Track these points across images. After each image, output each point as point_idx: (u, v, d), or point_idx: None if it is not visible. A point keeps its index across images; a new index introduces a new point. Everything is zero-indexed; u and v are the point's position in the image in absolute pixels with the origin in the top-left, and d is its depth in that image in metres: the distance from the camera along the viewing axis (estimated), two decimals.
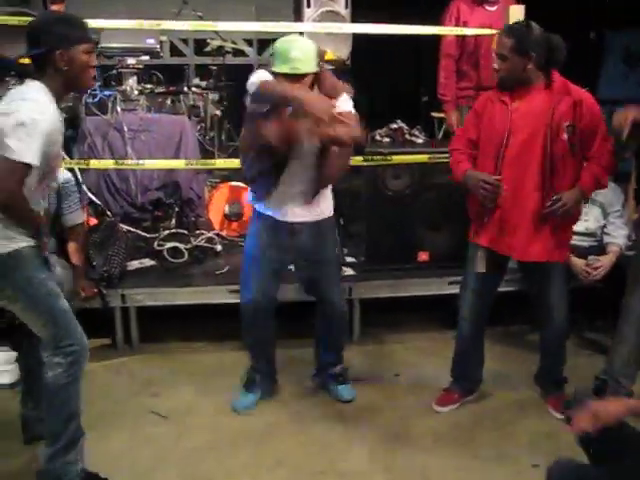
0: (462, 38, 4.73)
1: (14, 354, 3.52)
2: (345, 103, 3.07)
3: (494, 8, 4.69)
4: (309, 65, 2.97)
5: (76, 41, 2.46)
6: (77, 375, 2.65)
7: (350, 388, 3.54)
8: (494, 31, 4.29)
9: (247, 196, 3.40)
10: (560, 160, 3.05)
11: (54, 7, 4.96)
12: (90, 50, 2.52)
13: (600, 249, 3.92)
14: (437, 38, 4.80)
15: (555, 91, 3.05)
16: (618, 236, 3.89)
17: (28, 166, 2.36)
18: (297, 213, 3.19)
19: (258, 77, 2.96)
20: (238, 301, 3.91)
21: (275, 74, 2.96)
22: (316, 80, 3.05)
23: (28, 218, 2.51)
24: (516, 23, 3.17)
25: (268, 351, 3.52)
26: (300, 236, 3.22)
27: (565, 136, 3.03)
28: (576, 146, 3.06)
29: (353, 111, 3.09)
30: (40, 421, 2.85)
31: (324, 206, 3.27)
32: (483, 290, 3.32)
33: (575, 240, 3.84)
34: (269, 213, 3.21)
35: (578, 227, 3.81)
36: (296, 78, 2.93)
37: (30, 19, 4.18)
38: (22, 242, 2.50)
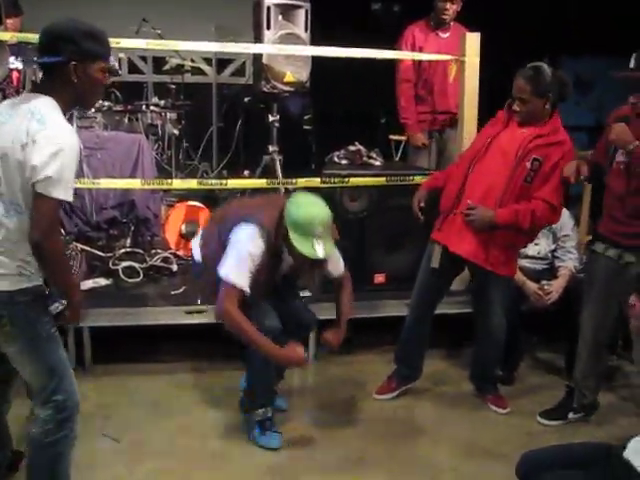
0: (418, 64, 4.83)
1: None
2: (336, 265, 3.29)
3: (447, 35, 4.86)
4: (330, 246, 3.01)
5: (95, 57, 2.31)
6: (69, 435, 2.46)
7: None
8: (449, 57, 4.41)
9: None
10: (516, 186, 3.31)
11: (9, 21, 4.88)
12: (105, 69, 2.36)
13: (551, 272, 4.00)
14: (394, 62, 4.88)
15: (545, 128, 3.32)
16: (568, 259, 3.98)
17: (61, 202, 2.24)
18: None
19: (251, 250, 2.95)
20: (194, 322, 3.91)
21: (298, 250, 2.92)
22: None
23: (63, 263, 2.38)
24: (530, 67, 3.34)
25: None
26: None
27: (528, 165, 3.29)
28: (531, 180, 3.30)
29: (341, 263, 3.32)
30: None
31: None
32: (432, 286, 3.61)
33: (527, 263, 3.99)
34: None
35: (530, 251, 3.97)
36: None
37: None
38: (35, 281, 2.33)
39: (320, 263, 3.06)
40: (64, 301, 2.45)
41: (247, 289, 2.94)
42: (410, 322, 3.72)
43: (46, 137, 2.18)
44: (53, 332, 2.40)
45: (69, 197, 2.22)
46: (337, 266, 3.30)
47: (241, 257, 2.95)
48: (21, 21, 5.00)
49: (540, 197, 3.32)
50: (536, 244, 4.00)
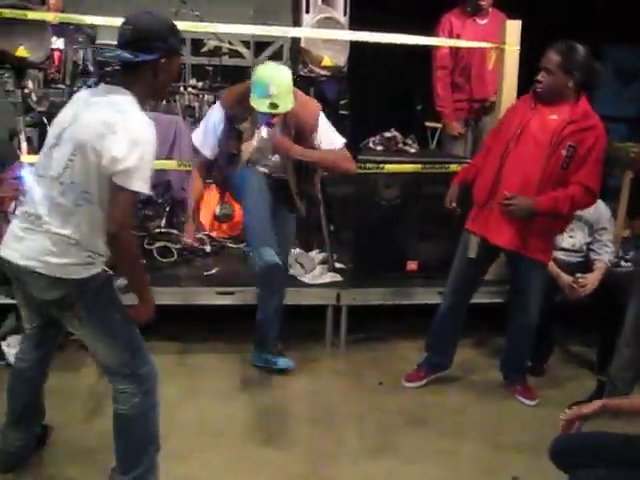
0: (455, 52, 4.77)
1: None
2: (328, 136, 3.41)
3: (484, 21, 4.79)
4: (286, 104, 3.19)
5: (178, 52, 2.40)
6: (154, 401, 2.53)
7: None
8: (488, 44, 4.35)
9: None
10: (553, 173, 3.31)
11: (51, 1, 4.93)
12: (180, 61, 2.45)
13: (586, 265, 3.96)
14: (431, 48, 4.84)
15: (575, 113, 3.29)
16: (604, 253, 3.92)
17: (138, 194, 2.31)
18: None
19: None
20: (225, 302, 3.94)
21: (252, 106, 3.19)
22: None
23: (136, 257, 2.41)
24: (565, 42, 3.34)
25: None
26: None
27: (564, 152, 3.27)
28: (569, 165, 3.28)
29: (334, 136, 3.44)
30: (27, 448, 2.74)
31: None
32: (467, 276, 3.59)
33: (562, 255, 3.94)
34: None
35: (564, 243, 3.92)
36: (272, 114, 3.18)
37: (27, 12, 4.19)
38: (99, 268, 2.38)
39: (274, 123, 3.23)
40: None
41: (204, 152, 3.40)
42: (444, 310, 3.69)
43: (125, 129, 2.22)
44: (124, 311, 2.46)
45: (146, 190, 2.27)
46: (332, 141, 3.43)
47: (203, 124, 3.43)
48: (63, 1, 5.04)
49: (577, 181, 3.32)
50: (571, 237, 3.96)
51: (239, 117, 3.32)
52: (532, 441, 3.21)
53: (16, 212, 2.51)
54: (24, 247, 2.33)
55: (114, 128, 2.21)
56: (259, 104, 3.17)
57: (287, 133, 3.35)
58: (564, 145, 3.28)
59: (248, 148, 3.34)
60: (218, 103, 3.41)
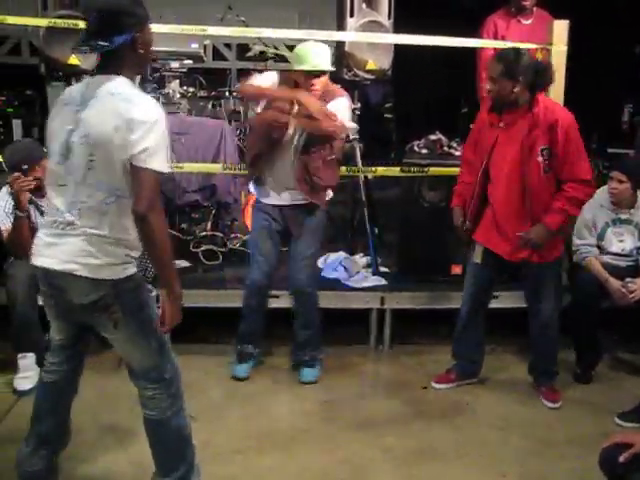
0: None
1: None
2: (337, 104, 3.53)
3: (529, 21, 4.72)
4: (327, 64, 3.49)
5: (147, 21, 2.29)
6: (181, 403, 2.53)
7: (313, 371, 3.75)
8: (534, 45, 4.29)
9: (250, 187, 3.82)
10: (534, 180, 3.35)
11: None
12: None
13: (636, 269, 3.87)
14: (476, 50, 4.80)
15: (535, 114, 3.32)
16: None
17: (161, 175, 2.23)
18: (284, 198, 3.63)
19: (266, 78, 3.62)
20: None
21: (296, 72, 3.48)
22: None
23: (165, 242, 2.27)
24: (506, 49, 3.49)
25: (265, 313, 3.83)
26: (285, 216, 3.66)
27: (540, 158, 3.32)
28: (551, 167, 3.33)
29: (345, 113, 3.59)
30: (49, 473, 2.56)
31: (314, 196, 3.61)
32: (480, 279, 3.66)
33: (611, 260, 3.88)
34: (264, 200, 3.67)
35: (614, 247, 3.88)
36: (315, 76, 3.44)
37: (79, 21, 4.29)
38: (135, 268, 2.36)
39: (317, 76, 3.46)
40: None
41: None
42: (463, 315, 3.73)
43: (138, 112, 2.18)
44: (157, 314, 2.41)
45: (165, 168, 2.22)
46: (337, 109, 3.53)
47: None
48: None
49: (569, 179, 3.35)
50: (621, 241, 3.90)
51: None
52: (579, 450, 3.17)
53: (40, 224, 2.49)
54: (59, 252, 2.29)
55: (126, 116, 2.16)
56: (302, 66, 3.44)
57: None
58: (536, 151, 3.31)
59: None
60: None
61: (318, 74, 3.46)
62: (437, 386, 3.79)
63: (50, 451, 2.57)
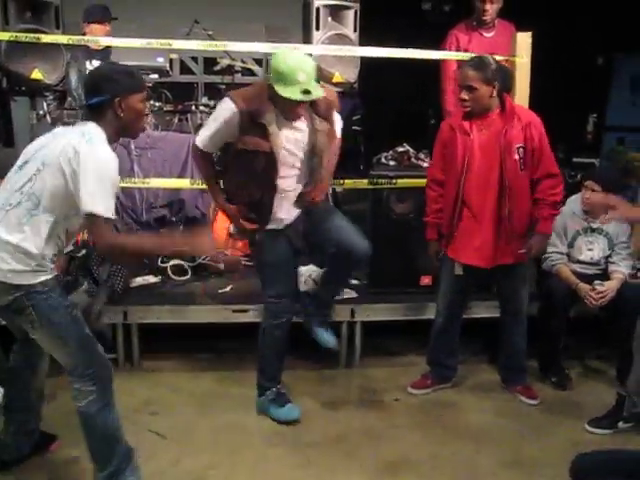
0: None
1: None
2: (338, 125, 3.34)
3: (491, 34, 4.72)
4: (317, 89, 3.02)
5: (134, 90, 2.56)
6: (109, 399, 2.67)
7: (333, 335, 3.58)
8: (498, 57, 4.32)
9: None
10: (513, 178, 3.43)
11: (97, 26, 4.85)
12: (144, 99, 2.63)
13: (603, 277, 3.92)
14: (439, 63, 4.82)
15: (507, 115, 3.43)
16: (622, 265, 3.90)
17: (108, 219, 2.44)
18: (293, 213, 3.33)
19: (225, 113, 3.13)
20: (240, 320, 3.94)
21: (282, 95, 2.99)
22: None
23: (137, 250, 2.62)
24: (473, 58, 3.51)
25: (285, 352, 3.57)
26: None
27: (516, 156, 3.42)
28: (526, 165, 3.44)
29: (339, 134, 3.37)
30: (20, 443, 2.93)
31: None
32: (456, 291, 3.71)
33: (579, 268, 3.93)
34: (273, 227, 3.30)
35: (582, 256, 3.95)
36: (304, 102, 3.03)
37: (41, 35, 4.25)
38: (48, 274, 2.54)
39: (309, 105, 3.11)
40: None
41: (202, 144, 3.22)
42: (440, 326, 3.79)
43: (91, 156, 2.41)
44: (75, 314, 2.62)
45: (110, 214, 2.42)
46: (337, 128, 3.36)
47: (210, 120, 3.26)
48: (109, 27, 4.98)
49: (545, 174, 3.47)
50: (590, 249, 3.96)
51: (259, 111, 3.06)
52: (551, 458, 3.18)
53: None
54: None
55: (81, 156, 2.41)
56: (290, 92, 2.97)
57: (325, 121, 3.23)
58: (513, 149, 3.40)
59: (280, 140, 3.13)
60: (228, 101, 3.10)
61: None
62: (414, 392, 3.82)
63: (12, 418, 2.92)
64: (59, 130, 2.68)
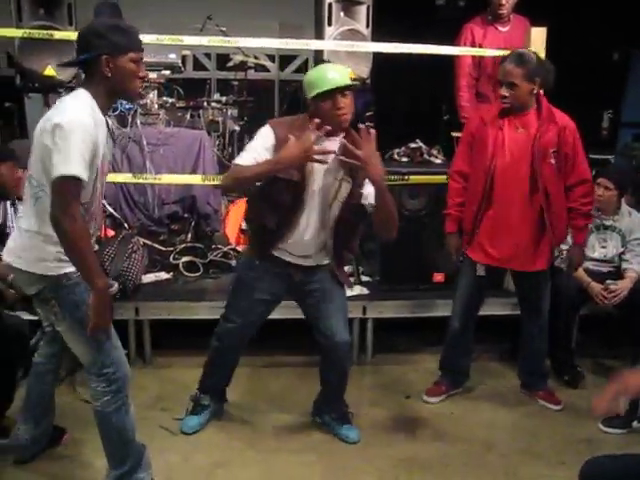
0: (479, 61, 4.72)
1: None
2: (369, 195, 2.94)
3: (506, 28, 4.70)
4: (349, 79, 2.87)
5: (124, 49, 2.39)
6: (124, 400, 2.63)
7: (355, 429, 3.35)
8: None
9: None
10: (549, 182, 3.33)
11: None
12: (137, 59, 2.43)
13: (617, 274, 3.89)
14: (453, 59, 4.79)
15: (544, 117, 3.31)
16: (636, 263, 3.87)
17: (77, 180, 2.28)
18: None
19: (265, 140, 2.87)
20: None
21: (317, 98, 2.81)
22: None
23: (79, 244, 2.33)
24: (516, 52, 3.33)
25: (233, 369, 3.45)
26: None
27: (552, 161, 3.32)
28: (559, 170, 3.35)
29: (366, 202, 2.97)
30: (39, 440, 2.95)
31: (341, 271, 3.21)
32: (474, 294, 3.62)
33: (592, 266, 3.90)
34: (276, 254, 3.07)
35: (596, 254, 3.91)
36: (339, 95, 2.78)
37: (54, 32, 4.27)
38: (72, 267, 2.44)
39: (342, 95, 2.80)
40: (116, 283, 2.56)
41: (244, 162, 2.84)
42: (456, 331, 3.68)
43: (57, 117, 2.30)
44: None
45: (78, 173, 2.26)
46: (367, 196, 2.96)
47: (248, 148, 2.92)
48: None
49: (580, 180, 3.40)
50: (603, 247, 3.94)
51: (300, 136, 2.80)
52: (564, 457, 3.15)
53: None
54: (10, 245, 2.54)
55: (51, 121, 2.30)
56: (323, 88, 2.78)
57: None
58: (549, 154, 3.30)
59: (313, 173, 2.89)
60: (267, 127, 2.92)
61: (342, 92, 2.79)
62: (430, 400, 3.71)
63: (36, 420, 2.93)
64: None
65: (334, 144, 2.88)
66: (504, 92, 3.28)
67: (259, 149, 2.86)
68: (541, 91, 3.36)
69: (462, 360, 3.77)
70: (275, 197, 2.89)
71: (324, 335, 3.12)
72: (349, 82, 2.85)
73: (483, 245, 3.47)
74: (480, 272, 3.52)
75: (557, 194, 3.36)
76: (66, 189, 2.27)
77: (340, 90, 2.79)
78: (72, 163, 2.26)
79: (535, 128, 3.30)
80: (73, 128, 2.27)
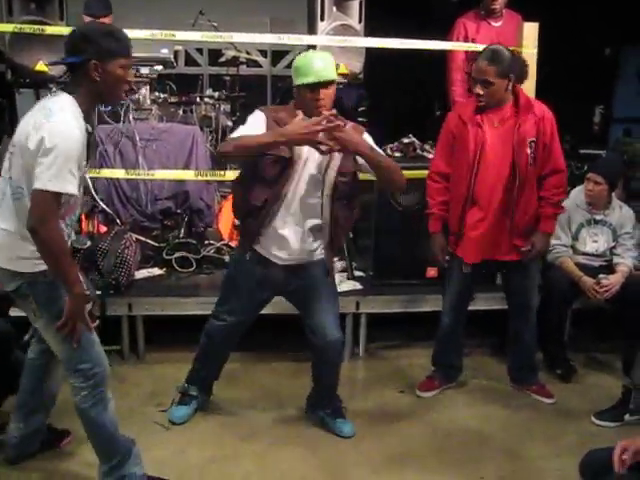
0: (472, 56, 4.70)
1: None
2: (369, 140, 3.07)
3: (499, 23, 4.71)
4: (333, 73, 2.96)
5: (113, 54, 2.40)
6: (102, 396, 2.63)
7: (349, 423, 3.36)
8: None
9: None
10: (524, 172, 3.36)
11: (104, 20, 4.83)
12: (126, 65, 2.45)
13: (609, 269, 3.91)
14: (446, 54, 4.79)
15: (522, 108, 3.33)
16: (627, 257, 3.90)
17: (59, 195, 2.32)
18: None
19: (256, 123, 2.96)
20: None
21: (300, 87, 2.93)
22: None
23: (56, 252, 2.37)
24: (489, 49, 3.35)
25: (221, 365, 3.48)
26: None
27: (528, 150, 3.34)
28: (535, 160, 3.38)
29: (380, 151, 3.11)
30: (28, 440, 2.93)
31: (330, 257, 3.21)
32: (463, 290, 3.63)
33: (584, 260, 3.93)
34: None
35: (587, 248, 3.93)
36: (321, 87, 2.90)
37: (45, 27, 4.25)
38: None
39: (324, 87, 2.91)
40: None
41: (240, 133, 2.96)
42: (446, 328, 3.70)
43: (47, 130, 2.30)
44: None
45: (64, 190, 2.31)
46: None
47: (242, 128, 3.01)
48: (111, 20, 4.95)
49: (554, 170, 3.43)
50: (595, 241, 3.96)
51: (287, 118, 2.94)
52: (558, 450, 3.17)
53: None
54: None
55: (37, 129, 2.31)
56: (306, 79, 2.90)
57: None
58: (526, 144, 3.33)
59: (303, 150, 2.95)
60: (257, 111, 3.05)
61: (325, 85, 2.91)
62: (423, 394, 3.74)
63: (24, 414, 2.91)
64: (32, 109, 2.51)
65: None
66: (479, 90, 3.29)
67: (253, 128, 2.95)
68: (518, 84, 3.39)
69: (454, 355, 3.79)
70: (262, 172, 2.96)
71: (315, 333, 3.14)
72: (332, 77, 2.94)
73: (471, 242, 3.47)
74: (466, 269, 3.52)
75: (527, 182, 3.38)
76: (48, 202, 2.30)
77: (322, 86, 2.90)
78: (62, 181, 2.29)
79: (513, 120, 3.33)
80: (64, 145, 2.29)
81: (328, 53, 3.12)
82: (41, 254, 2.37)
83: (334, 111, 2.89)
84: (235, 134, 3.00)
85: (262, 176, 2.96)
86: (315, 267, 3.13)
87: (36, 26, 4.19)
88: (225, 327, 3.26)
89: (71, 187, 2.33)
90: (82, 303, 2.48)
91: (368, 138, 3.09)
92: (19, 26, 4.24)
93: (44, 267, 2.44)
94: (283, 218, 3.00)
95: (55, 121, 2.32)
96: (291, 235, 3.03)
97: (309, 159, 2.97)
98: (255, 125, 2.97)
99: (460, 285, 3.61)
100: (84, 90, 2.42)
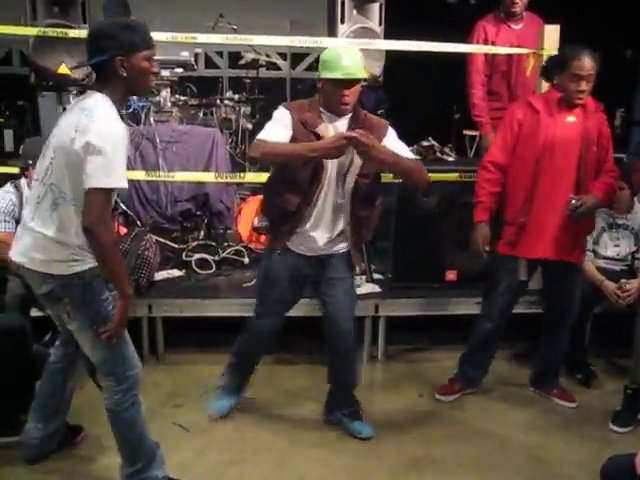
0: (492, 59, 4.69)
1: None
2: (394, 141, 3.08)
3: (519, 26, 4.67)
4: (361, 72, 2.92)
5: (137, 48, 2.40)
6: (135, 400, 2.65)
7: (368, 425, 3.36)
8: (526, 50, 4.28)
9: None
10: (590, 169, 3.36)
11: None
12: (151, 56, 2.45)
13: (630, 273, 3.88)
14: (466, 56, 4.77)
15: (589, 107, 3.33)
16: None
17: (112, 192, 2.36)
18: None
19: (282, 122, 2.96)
20: None
21: (325, 81, 2.91)
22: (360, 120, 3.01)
23: (111, 253, 2.40)
24: (583, 47, 3.29)
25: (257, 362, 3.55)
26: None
27: (594, 148, 3.34)
28: (599, 157, 3.39)
29: (404, 145, 3.13)
30: (48, 441, 2.94)
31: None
32: (514, 297, 3.57)
33: (605, 264, 3.90)
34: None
35: (609, 252, 3.90)
36: (346, 84, 2.88)
37: (68, 30, 4.28)
38: (90, 264, 2.48)
39: (350, 85, 2.88)
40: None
41: (272, 138, 2.90)
42: (489, 332, 3.61)
43: (92, 130, 2.31)
44: (110, 310, 2.54)
45: (120, 184, 2.35)
46: (405, 150, 3.11)
47: (269, 127, 2.99)
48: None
49: (610, 168, 3.45)
50: (616, 245, 3.94)
51: (313, 120, 2.96)
52: (577, 456, 3.14)
53: None
54: (19, 245, 2.55)
55: (82, 131, 2.32)
56: (333, 74, 2.87)
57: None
58: (593, 141, 3.33)
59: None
60: (282, 108, 3.03)
61: (351, 83, 2.89)
62: (442, 398, 3.71)
63: (45, 417, 2.92)
64: (66, 112, 2.57)
65: (343, 123, 3.00)
66: (584, 87, 3.25)
67: (280, 127, 2.95)
68: None
69: (486, 360, 3.74)
70: (294, 176, 2.96)
71: (329, 321, 3.21)
72: (359, 75, 2.90)
73: (530, 240, 3.39)
74: (523, 277, 3.47)
75: (589, 182, 3.37)
76: (104, 200, 2.32)
77: (348, 83, 2.88)
78: (114, 176, 2.31)
79: (582, 117, 3.32)
80: (113, 142, 2.32)
81: (357, 49, 3.11)
82: (97, 255, 2.39)
83: (361, 131, 2.83)
84: (263, 134, 2.96)
85: (293, 180, 2.98)
86: (340, 260, 3.18)
87: (59, 29, 4.22)
88: (266, 324, 3.32)
89: (124, 181, 2.36)
90: (131, 305, 2.51)
91: (392, 132, 3.12)
92: (43, 29, 4.28)
93: (79, 269, 2.47)
94: (314, 221, 3.06)
95: (99, 120, 2.33)
96: (320, 236, 3.09)
97: (333, 161, 2.98)
98: (281, 123, 2.96)
99: (512, 292, 3.54)
100: (114, 87, 2.42)
